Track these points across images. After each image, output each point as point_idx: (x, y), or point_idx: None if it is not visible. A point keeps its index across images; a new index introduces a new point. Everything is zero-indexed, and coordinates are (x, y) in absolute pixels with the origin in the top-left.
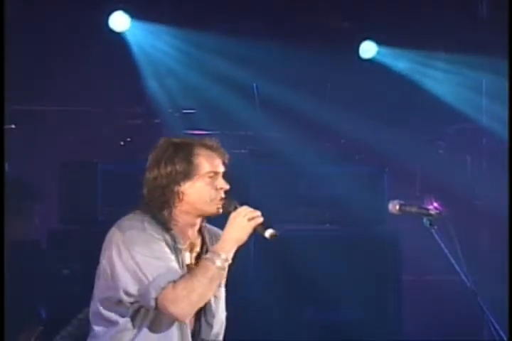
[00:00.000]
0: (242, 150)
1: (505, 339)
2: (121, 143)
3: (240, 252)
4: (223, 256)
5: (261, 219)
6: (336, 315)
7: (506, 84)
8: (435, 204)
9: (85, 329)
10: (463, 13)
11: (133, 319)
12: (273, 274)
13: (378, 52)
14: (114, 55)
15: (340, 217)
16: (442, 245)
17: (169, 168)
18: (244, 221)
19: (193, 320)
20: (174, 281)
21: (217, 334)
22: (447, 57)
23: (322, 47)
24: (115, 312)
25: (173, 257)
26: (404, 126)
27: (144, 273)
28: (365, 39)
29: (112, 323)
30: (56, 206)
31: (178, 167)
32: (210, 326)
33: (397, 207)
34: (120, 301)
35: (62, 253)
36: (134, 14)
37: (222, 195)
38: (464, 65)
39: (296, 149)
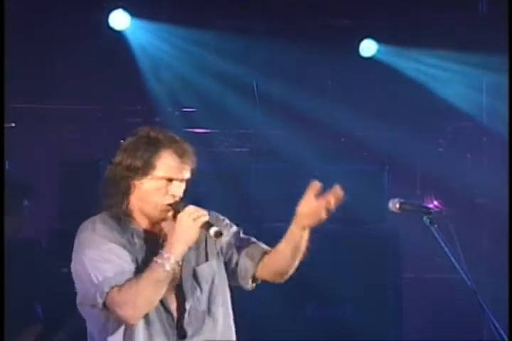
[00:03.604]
0: (243, 149)
1: (505, 338)
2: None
3: None
4: (172, 259)
5: (205, 218)
6: (336, 313)
7: (507, 83)
8: (435, 203)
9: (82, 329)
10: (463, 11)
11: (107, 324)
12: None
13: (378, 51)
14: (114, 54)
15: (341, 216)
16: (442, 243)
17: (129, 161)
18: (189, 221)
19: (175, 306)
20: (119, 285)
21: None
22: (447, 56)
23: (322, 46)
24: (92, 317)
25: (127, 257)
26: (404, 124)
27: (90, 278)
28: (365, 37)
29: (92, 324)
30: (56, 204)
31: (137, 162)
32: (188, 310)
33: (398, 206)
34: (82, 304)
35: (63, 252)
36: (134, 12)
37: (171, 201)
38: (464, 63)
39: (297, 147)
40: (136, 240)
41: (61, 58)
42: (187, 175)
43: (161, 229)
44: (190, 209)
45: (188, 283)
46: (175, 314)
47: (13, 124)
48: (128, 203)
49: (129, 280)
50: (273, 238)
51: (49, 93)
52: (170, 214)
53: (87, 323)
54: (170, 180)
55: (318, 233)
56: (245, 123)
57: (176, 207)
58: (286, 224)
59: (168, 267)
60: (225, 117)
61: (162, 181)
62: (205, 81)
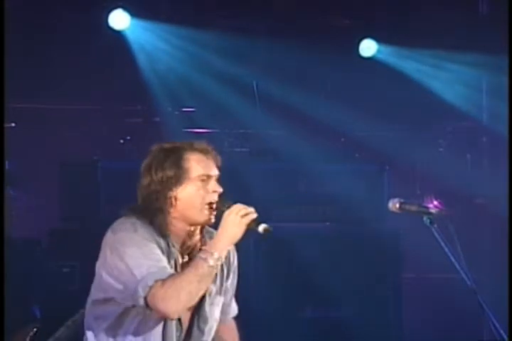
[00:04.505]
0: (243, 149)
1: (505, 338)
2: (121, 141)
3: (240, 250)
4: (216, 255)
5: (254, 215)
6: (336, 313)
7: (507, 83)
8: (435, 203)
9: (79, 331)
10: (463, 10)
11: (122, 318)
12: (273, 272)
13: (378, 51)
14: (114, 53)
15: (341, 215)
16: (442, 243)
17: (160, 174)
18: (237, 218)
19: (186, 325)
20: (163, 280)
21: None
22: (447, 55)
23: (322, 46)
24: (105, 311)
25: (164, 258)
26: (404, 124)
27: (133, 274)
28: (365, 37)
29: (102, 321)
30: (57, 204)
31: (168, 172)
32: (202, 332)
33: (398, 206)
34: (110, 301)
35: (63, 252)
36: (134, 12)
37: (215, 199)
38: (464, 63)
39: (296, 148)
40: (173, 249)
41: (61, 58)
42: (216, 171)
43: (197, 242)
44: (239, 206)
45: (215, 299)
46: (185, 326)
47: (13, 124)
48: (165, 217)
49: (172, 275)
50: (273, 238)
51: (49, 93)
52: (211, 220)
53: (93, 324)
54: (205, 178)
55: (318, 233)
56: (245, 123)
57: (219, 206)
58: (286, 224)
59: (211, 262)
60: (225, 117)
61: (198, 182)
62: (205, 81)
